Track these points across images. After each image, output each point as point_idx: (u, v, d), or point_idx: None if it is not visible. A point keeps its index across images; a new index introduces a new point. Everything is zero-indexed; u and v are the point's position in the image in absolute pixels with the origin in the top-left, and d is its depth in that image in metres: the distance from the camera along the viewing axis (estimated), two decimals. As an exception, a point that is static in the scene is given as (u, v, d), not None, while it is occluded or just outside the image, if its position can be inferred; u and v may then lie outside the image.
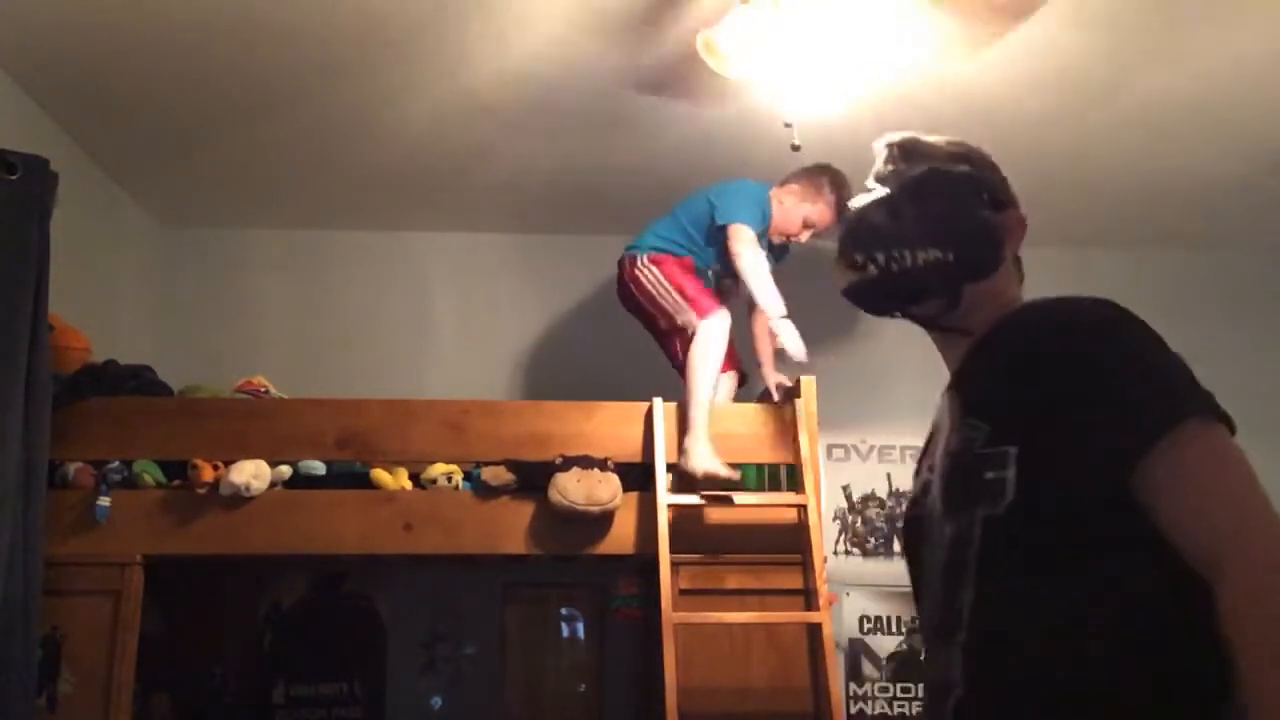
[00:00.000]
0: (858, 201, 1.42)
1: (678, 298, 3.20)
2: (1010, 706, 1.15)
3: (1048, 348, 1.22)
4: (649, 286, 3.26)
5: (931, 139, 1.44)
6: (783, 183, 3.32)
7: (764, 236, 3.29)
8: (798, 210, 3.29)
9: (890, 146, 1.45)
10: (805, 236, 3.33)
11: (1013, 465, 1.16)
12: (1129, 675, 1.11)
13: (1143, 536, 1.12)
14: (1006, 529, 1.17)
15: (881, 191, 1.39)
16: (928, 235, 1.32)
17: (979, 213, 1.35)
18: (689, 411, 3.03)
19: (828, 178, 3.28)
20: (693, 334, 3.14)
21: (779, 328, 3.09)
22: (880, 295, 1.37)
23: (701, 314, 3.15)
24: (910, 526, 1.39)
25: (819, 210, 3.28)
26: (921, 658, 1.35)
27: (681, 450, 2.98)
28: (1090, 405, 1.15)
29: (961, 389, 1.34)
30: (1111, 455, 1.13)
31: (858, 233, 1.38)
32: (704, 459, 2.95)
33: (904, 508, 1.46)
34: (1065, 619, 1.14)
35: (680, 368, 3.22)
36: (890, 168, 1.42)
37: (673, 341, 3.30)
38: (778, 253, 3.42)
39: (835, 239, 1.45)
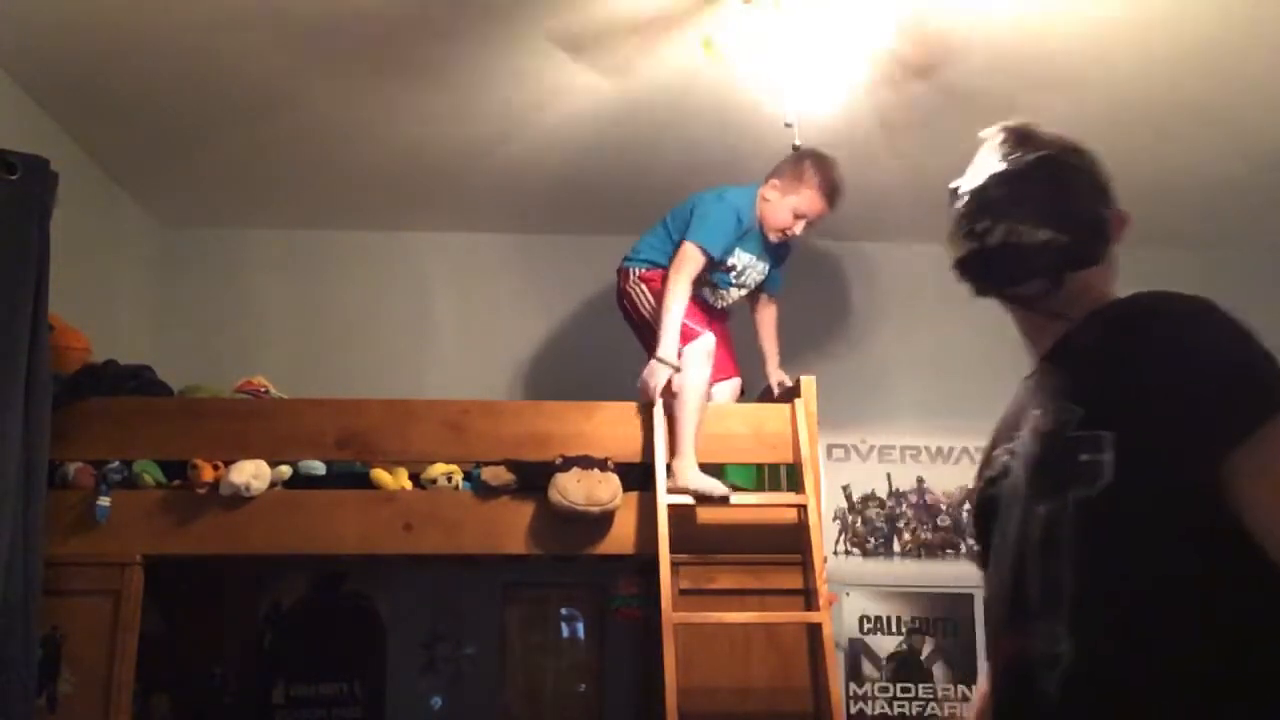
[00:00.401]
0: (973, 177, 1.43)
1: None
2: (1124, 677, 1.19)
3: (1144, 338, 1.26)
4: (640, 305, 3.24)
5: (1043, 129, 1.46)
6: (767, 178, 3.23)
7: (746, 238, 3.21)
8: (783, 204, 3.18)
9: (1006, 130, 1.47)
10: (800, 228, 3.21)
11: (1109, 449, 1.20)
12: (1218, 655, 1.16)
13: (1220, 528, 1.16)
14: (1101, 510, 1.21)
15: (999, 168, 1.41)
16: (1045, 216, 1.35)
17: (1092, 203, 1.40)
18: (677, 435, 2.98)
19: (809, 161, 3.14)
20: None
21: (651, 364, 3.01)
22: (995, 269, 1.39)
23: (684, 339, 3.09)
24: (984, 505, 1.42)
25: (806, 197, 3.16)
26: (992, 633, 1.39)
27: (670, 473, 2.96)
28: (1184, 397, 1.19)
29: (1052, 374, 1.37)
30: (1203, 446, 1.17)
31: (980, 203, 1.40)
32: (694, 479, 2.93)
33: (977, 485, 1.48)
34: (1160, 596, 1.18)
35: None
36: (1005, 149, 1.44)
37: None
38: (776, 251, 3.36)
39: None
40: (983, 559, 1.43)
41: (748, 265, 3.29)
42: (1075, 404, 1.26)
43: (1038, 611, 1.25)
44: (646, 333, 3.23)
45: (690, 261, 3.11)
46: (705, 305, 3.29)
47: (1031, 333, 1.44)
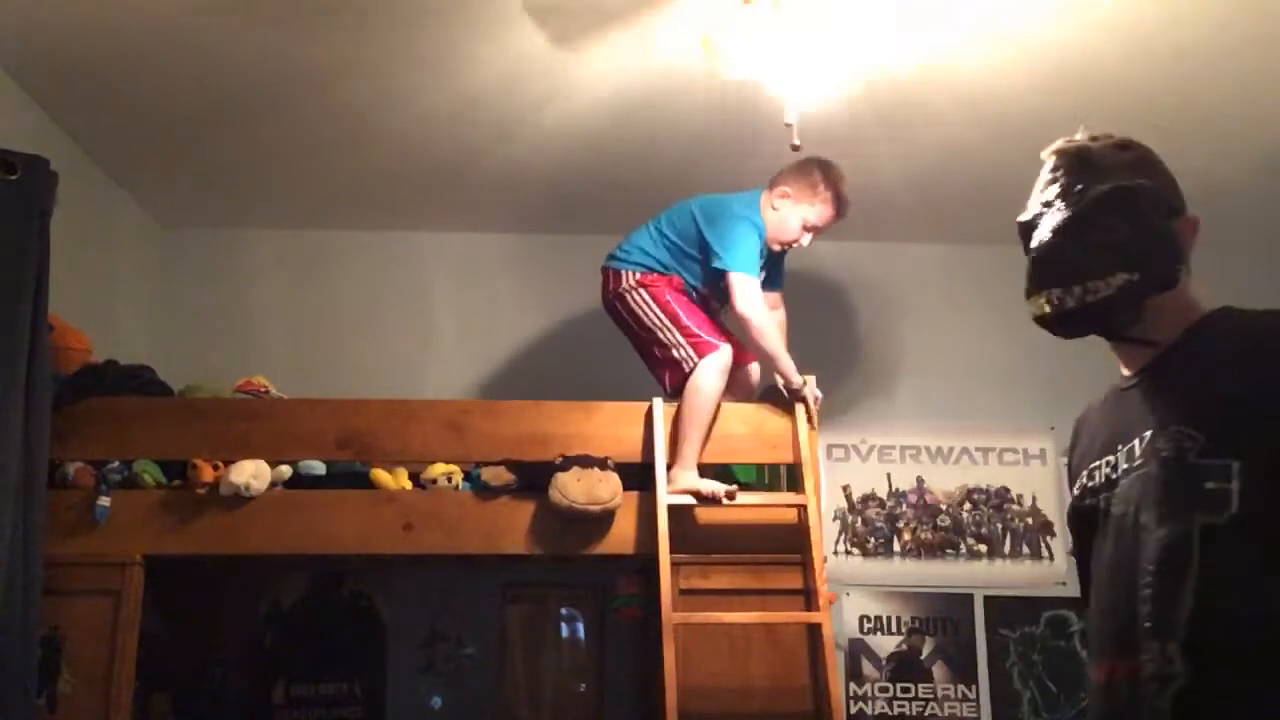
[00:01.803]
0: (1041, 226, 1.42)
1: (675, 333, 3.07)
2: (1242, 704, 1.19)
3: (1266, 361, 1.27)
4: (639, 311, 3.14)
5: (1099, 146, 1.45)
6: (772, 185, 3.16)
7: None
8: (794, 214, 3.12)
9: (1061, 155, 1.46)
10: (808, 240, 3.17)
11: (1236, 478, 1.21)
12: None
13: None
14: (1230, 538, 1.21)
15: (1063, 213, 1.40)
16: (1117, 260, 1.35)
17: (1161, 228, 1.39)
18: (680, 444, 2.97)
19: (820, 172, 3.10)
20: (690, 370, 3.03)
21: (802, 391, 3.07)
22: (1078, 324, 1.40)
23: (701, 352, 3.03)
24: (1084, 515, 1.43)
25: (818, 210, 3.11)
26: (1099, 648, 1.38)
27: (670, 480, 2.95)
28: None
29: (1158, 392, 1.37)
30: None
31: (1052, 266, 1.39)
32: (692, 483, 2.93)
33: (1075, 495, 1.48)
34: None
35: (669, 395, 3.09)
36: (1064, 180, 1.42)
37: (663, 370, 3.13)
38: (775, 260, 3.27)
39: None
40: (1083, 570, 1.44)
41: None
42: (1195, 429, 1.25)
43: (1152, 631, 1.25)
44: (645, 338, 3.16)
45: (754, 293, 3.09)
46: (711, 312, 3.25)
47: (1120, 352, 1.45)
